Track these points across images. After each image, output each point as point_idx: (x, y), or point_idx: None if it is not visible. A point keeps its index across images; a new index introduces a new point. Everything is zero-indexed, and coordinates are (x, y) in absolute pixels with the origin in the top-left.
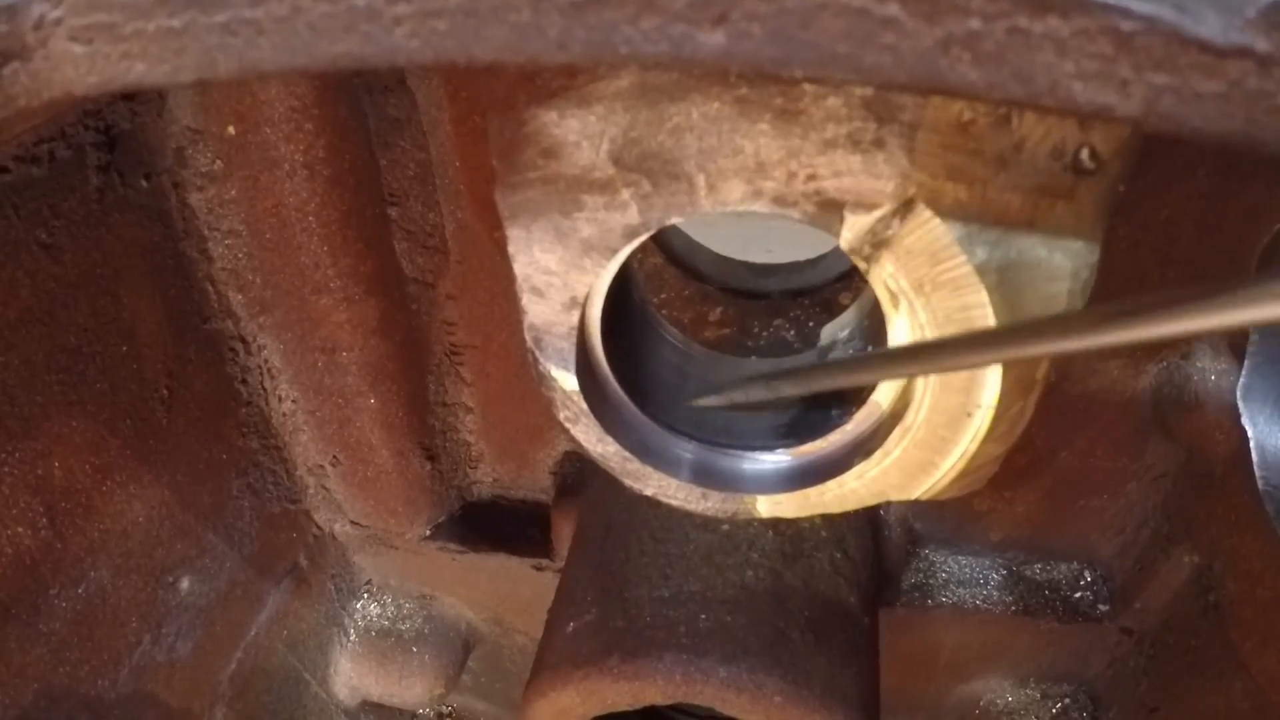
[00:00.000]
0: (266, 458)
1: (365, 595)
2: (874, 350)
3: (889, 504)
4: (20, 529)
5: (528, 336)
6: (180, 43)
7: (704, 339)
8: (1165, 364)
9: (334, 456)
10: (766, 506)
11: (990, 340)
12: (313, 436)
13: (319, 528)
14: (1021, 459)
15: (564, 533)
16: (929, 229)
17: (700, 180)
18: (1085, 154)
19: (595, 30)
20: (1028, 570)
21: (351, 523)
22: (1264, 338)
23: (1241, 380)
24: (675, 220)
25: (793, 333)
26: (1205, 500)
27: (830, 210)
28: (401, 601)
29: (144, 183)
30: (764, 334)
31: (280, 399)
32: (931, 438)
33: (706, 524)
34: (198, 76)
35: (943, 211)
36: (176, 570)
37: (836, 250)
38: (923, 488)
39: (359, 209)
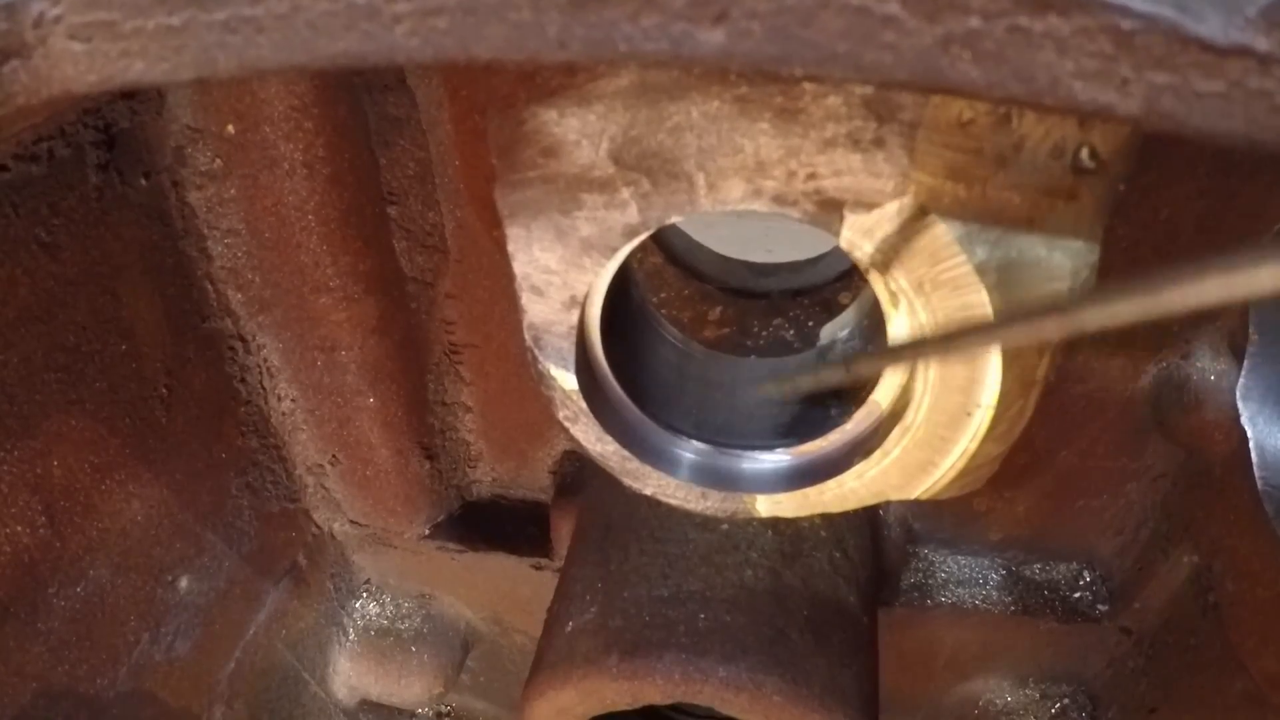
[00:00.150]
0: (265, 457)
1: (364, 594)
2: (962, 324)
3: (888, 503)
4: (19, 528)
5: (527, 335)
6: (180, 41)
7: (703, 338)
8: (1165, 364)
9: (333, 455)
10: (766, 506)
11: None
12: (312, 435)
13: (318, 527)
14: (1021, 459)
15: (563, 532)
16: (929, 228)
17: (700, 179)
18: (1085, 153)
19: (595, 28)
20: (1027, 570)
21: (350, 522)
22: (1264, 337)
23: (1241, 380)
24: (675, 219)
25: (792, 332)
26: (1204, 500)
27: (830, 209)
28: (400, 601)
29: (143, 181)
30: (763, 333)
31: (279, 398)
32: (931, 437)
33: (706, 523)
34: (197, 74)
35: (942, 211)
36: (175, 569)
37: (836, 250)
38: (922, 487)
39: (358, 208)
